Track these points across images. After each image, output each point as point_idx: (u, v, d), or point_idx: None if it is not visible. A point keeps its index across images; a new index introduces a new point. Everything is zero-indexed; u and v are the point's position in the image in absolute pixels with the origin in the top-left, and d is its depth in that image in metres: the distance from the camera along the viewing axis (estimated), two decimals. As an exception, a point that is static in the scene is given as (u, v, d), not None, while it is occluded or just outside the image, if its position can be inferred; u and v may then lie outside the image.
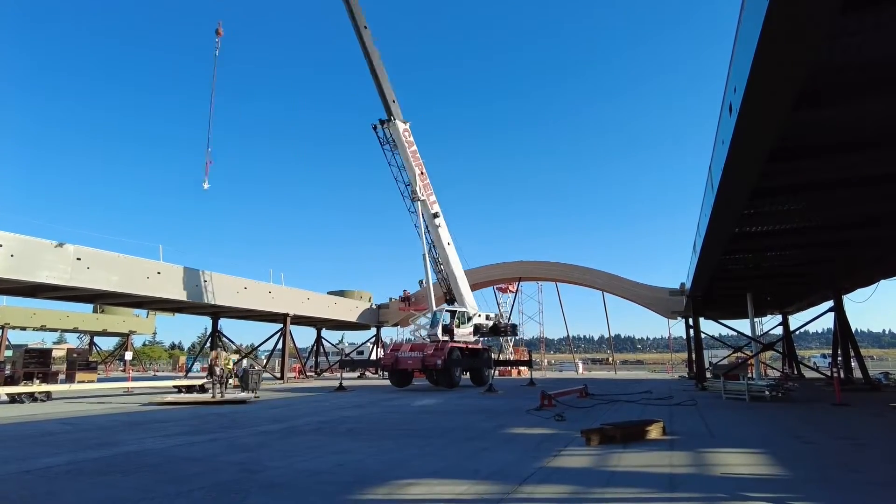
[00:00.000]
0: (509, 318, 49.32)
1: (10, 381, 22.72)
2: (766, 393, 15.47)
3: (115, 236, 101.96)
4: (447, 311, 25.44)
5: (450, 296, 27.67)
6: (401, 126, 25.00)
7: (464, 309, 26.50)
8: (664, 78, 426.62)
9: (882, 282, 20.35)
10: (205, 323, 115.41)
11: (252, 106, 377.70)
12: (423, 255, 25.90)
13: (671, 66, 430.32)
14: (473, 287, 42.47)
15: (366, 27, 23.81)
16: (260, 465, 6.73)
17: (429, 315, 26.25)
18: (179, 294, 25.16)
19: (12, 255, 18.49)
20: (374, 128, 25.56)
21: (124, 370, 50.33)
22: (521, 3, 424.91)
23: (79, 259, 20.60)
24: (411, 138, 25.41)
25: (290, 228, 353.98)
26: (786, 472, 6.21)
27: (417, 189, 25.14)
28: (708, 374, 23.64)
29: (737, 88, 6.97)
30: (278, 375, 33.75)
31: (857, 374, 22.60)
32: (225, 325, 74.20)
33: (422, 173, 25.60)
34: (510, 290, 49.40)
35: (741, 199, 10.53)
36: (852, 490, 5.22)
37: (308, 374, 41.08)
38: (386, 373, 27.20)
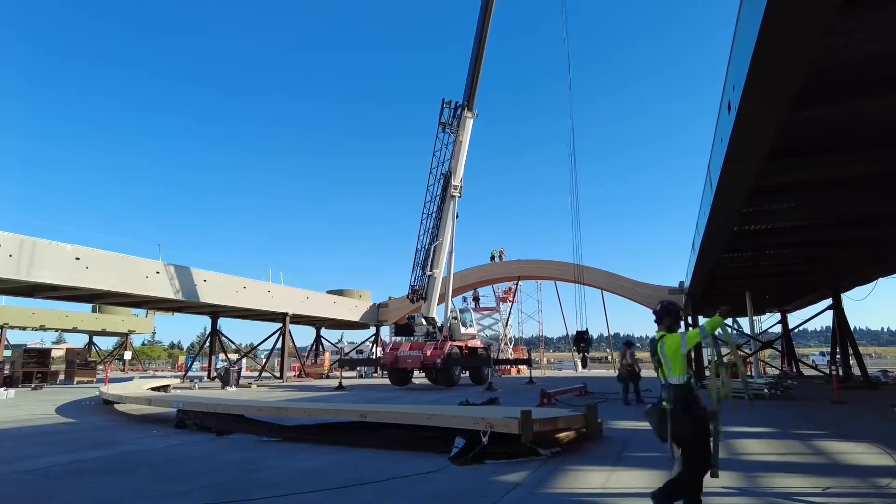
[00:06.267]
0: (507, 323, 49.59)
1: (10, 380, 22.73)
2: (766, 391, 15.48)
3: (114, 236, 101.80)
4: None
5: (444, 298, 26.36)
6: (470, 116, 24.22)
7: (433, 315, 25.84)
8: (664, 76, 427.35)
9: (881, 280, 20.35)
10: (204, 322, 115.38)
11: (252, 104, 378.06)
12: (450, 253, 24.79)
13: (671, 64, 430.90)
14: (472, 286, 42.69)
15: None
16: (260, 465, 6.74)
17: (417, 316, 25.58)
18: (178, 293, 25.16)
19: (10, 255, 18.46)
20: (447, 104, 24.24)
21: (123, 370, 50.33)
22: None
23: (77, 259, 20.58)
24: (470, 133, 24.49)
25: (289, 228, 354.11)
26: (784, 464, 6.24)
27: (458, 185, 24.26)
28: (707, 373, 23.67)
29: (735, 86, 6.95)
30: (278, 375, 33.73)
31: (856, 371, 22.63)
32: (224, 324, 74.15)
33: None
34: (509, 300, 49.82)
35: (740, 198, 10.52)
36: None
37: (308, 373, 41.06)
38: (385, 372, 27.28)
